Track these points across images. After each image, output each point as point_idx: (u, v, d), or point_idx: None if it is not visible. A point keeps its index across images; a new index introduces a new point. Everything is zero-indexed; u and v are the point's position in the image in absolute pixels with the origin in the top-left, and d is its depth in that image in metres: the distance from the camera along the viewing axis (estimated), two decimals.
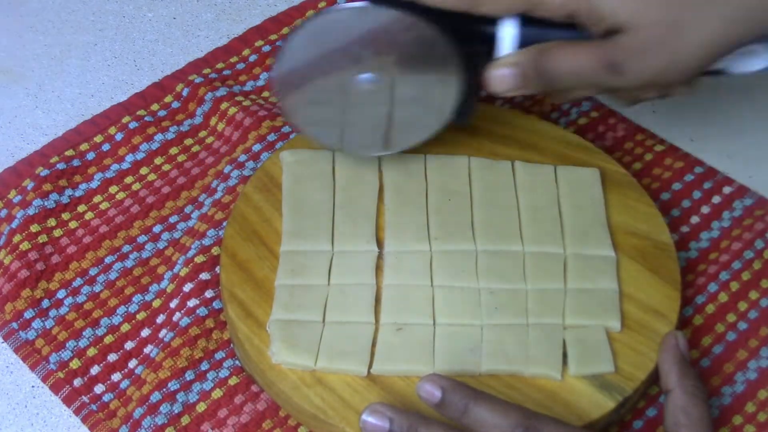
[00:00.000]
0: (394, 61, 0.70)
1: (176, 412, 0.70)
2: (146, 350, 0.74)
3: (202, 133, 0.86)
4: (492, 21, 0.68)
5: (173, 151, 0.84)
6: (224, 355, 0.73)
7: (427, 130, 0.74)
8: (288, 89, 0.72)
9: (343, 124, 0.74)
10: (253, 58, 0.91)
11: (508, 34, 0.68)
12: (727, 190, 0.83)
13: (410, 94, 0.72)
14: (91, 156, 0.83)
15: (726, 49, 0.66)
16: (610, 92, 0.73)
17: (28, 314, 0.75)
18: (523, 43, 0.68)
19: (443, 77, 0.70)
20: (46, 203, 0.80)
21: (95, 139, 0.84)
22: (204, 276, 0.76)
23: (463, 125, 0.74)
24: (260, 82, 0.89)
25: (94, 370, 0.73)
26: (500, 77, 0.68)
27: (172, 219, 0.80)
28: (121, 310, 0.76)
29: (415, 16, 0.67)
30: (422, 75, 0.71)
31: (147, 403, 0.70)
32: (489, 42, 0.68)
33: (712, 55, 0.67)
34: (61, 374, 0.72)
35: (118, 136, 0.84)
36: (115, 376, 0.73)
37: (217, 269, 0.76)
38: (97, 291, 0.76)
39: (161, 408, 0.70)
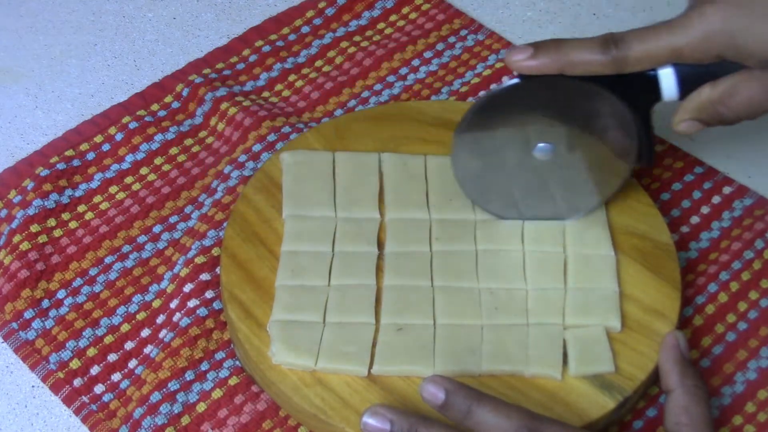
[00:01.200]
0: (569, 127, 0.72)
1: (176, 412, 0.70)
2: (146, 350, 0.74)
3: (202, 133, 0.85)
4: None
5: (173, 151, 0.84)
6: (224, 356, 0.73)
7: (613, 185, 0.75)
8: (465, 163, 0.74)
9: (519, 194, 0.76)
10: (253, 58, 0.91)
11: (666, 77, 0.69)
12: (726, 190, 0.83)
13: (589, 155, 0.73)
14: (91, 156, 0.83)
15: None
16: None
17: (28, 314, 0.75)
18: (683, 80, 0.69)
19: (618, 131, 0.71)
20: (46, 203, 0.80)
21: (95, 139, 0.84)
22: (204, 276, 0.76)
23: (648, 166, 0.75)
24: (260, 83, 0.89)
25: (94, 370, 0.73)
26: (687, 129, 0.70)
27: (172, 219, 0.80)
28: (121, 310, 0.76)
29: (576, 81, 0.69)
30: (596, 135, 0.72)
31: (147, 403, 0.70)
32: (652, 83, 0.69)
33: None
34: (61, 374, 0.72)
35: (118, 136, 0.84)
36: (115, 376, 0.73)
37: (218, 270, 0.76)
38: (97, 291, 0.76)
39: (161, 408, 0.70)
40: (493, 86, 0.69)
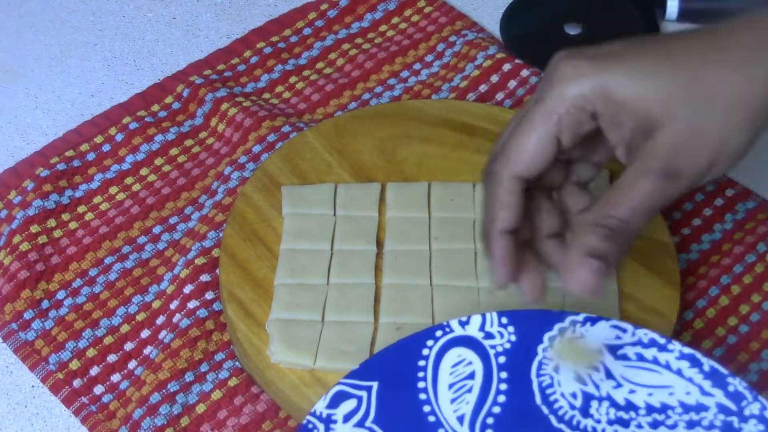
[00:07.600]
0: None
1: (176, 413, 0.70)
2: (146, 351, 0.73)
3: (203, 134, 0.85)
4: None
5: (173, 151, 0.84)
6: (224, 357, 0.73)
7: None
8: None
9: None
10: (254, 59, 0.91)
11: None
12: (729, 192, 0.82)
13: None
14: (91, 156, 0.83)
15: None
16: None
17: (27, 315, 0.75)
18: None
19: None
20: (46, 204, 0.80)
21: (95, 139, 0.84)
22: (204, 278, 0.75)
23: None
24: (261, 84, 0.89)
25: (94, 371, 0.73)
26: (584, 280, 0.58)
27: (172, 220, 0.80)
28: (121, 311, 0.75)
29: None
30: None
31: (146, 404, 0.70)
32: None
33: (762, 120, 0.57)
34: (60, 375, 0.72)
35: (119, 137, 0.84)
36: (115, 377, 0.73)
37: (218, 270, 0.76)
38: (96, 292, 0.76)
39: (161, 409, 0.70)
40: None
